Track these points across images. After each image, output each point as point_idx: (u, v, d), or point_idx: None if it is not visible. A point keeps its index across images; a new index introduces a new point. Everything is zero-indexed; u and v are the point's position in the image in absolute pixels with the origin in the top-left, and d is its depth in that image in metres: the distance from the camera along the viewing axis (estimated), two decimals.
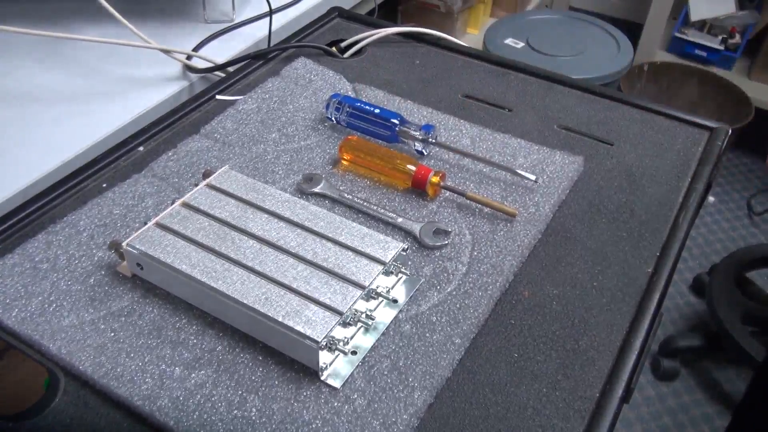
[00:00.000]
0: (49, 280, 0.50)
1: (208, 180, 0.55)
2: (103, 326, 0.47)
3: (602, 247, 0.56)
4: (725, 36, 2.11)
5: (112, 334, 0.47)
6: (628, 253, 0.55)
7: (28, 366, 0.45)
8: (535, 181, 0.59)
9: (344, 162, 0.61)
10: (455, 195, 0.58)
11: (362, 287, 0.46)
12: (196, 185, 0.55)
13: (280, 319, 0.44)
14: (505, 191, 0.59)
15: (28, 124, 0.70)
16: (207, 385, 0.44)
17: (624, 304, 0.51)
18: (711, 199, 2.06)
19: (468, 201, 0.58)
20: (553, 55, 1.65)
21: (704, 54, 2.15)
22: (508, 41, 1.68)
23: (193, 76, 0.78)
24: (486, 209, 0.57)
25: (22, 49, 0.80)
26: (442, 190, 0.59)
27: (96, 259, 0.52)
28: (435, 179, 0.57)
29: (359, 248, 0.49)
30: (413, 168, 0.58)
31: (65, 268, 0.51)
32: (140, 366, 0.45)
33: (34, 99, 0.73)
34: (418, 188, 0.58)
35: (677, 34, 2.16)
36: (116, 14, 0.74)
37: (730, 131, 0.69)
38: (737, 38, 2.10)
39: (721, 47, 2.12)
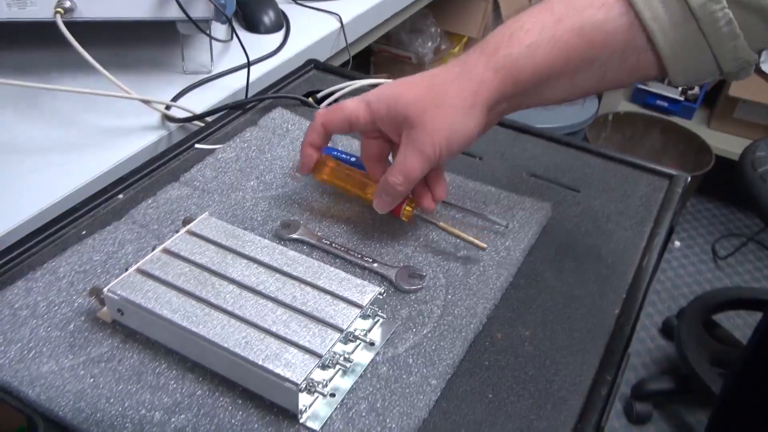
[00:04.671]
0: (29, 326, 0.50)
1: (188, 227, 0.56)
2: (82, 372, 0.47)
3: (571, 290, 0.58)
4: (685, 87, 2.19)
5: (92, 380, 0.47)
6: (596, 295, 0.57)
7: (5, 412, 0.45)
8: (506, 227, 0.62)
9: (321, 178, 0.63)
10: (429, 241, 0.60)
11: (340, 330, 0.48)
12: (176, 232, 0.56)
13: (260, 363, 0.45)
14: (477, 236, 0.61)
15: (6, 173, 0.70)
16: (187, 429, 0.44)
17: (593, 344, 0.53)
18: (677, 243, 2.12)
19: (442, 244, 0.60)
20: None
21: (665, 104, 2.24)
22: None
23: (172, 126, 0.80)
24: (459, 253, 0.59)
25: (0, 99, 0.81)
26: (417, 221, 0.61)
27: (76, 305, 0.52)
28: (408, 208, 0.60)
29: (337, 292, 0.51)
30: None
31: (45, 315, 0.51)
32: (120, 411, 0.45)
33: (12, 149, 0.74)
34: (394, 215, 0.60)
35: (639, 86, 2.25)
36: (96, 65, 0.76)
37: (690, 178, 0.72)
38: (696, 89, 2.19)
39: (681, 98, 2.21)
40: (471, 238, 0.58)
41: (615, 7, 0.49)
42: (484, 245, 0.58)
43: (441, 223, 0.59)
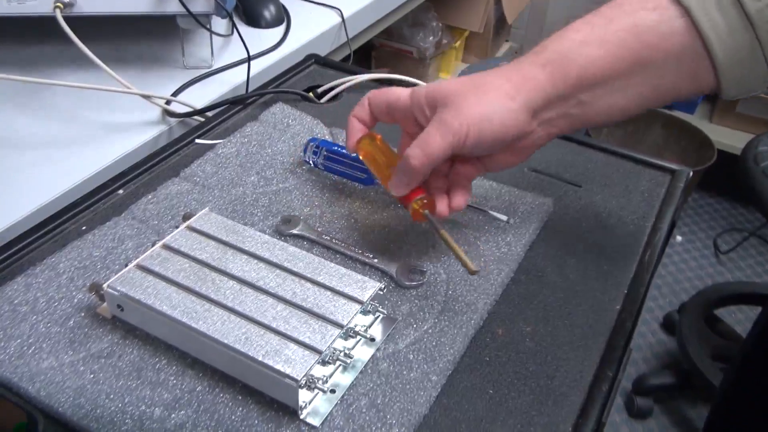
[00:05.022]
0: (29, 322, 0.50)
1: (188, 222, 0.56)
2: (82, 368, 0.47)
3: (572, 285, 0.58)
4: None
5: (92, 376, 0.47)
6: (597, 291, 0.57)
7: (5, 408, 0.45)
8: (507, 222, 0.61)
9: (360, 154, 0.60)
10: (430, 237, 0.60)
11: (340, 326, 0.48)
12: (177, 227, 0.56)
13: (260, 359, 0.45)
14: (478, 231, 0.61)
15: (6, 169, 0.70)
16: (187, 425, 0.44)
17: (594, 340, 0.53)
18: (679, 238, 2.12)
19: (442, 241, 0.59)
20: None
21: None
22: None
23: (172, 121, 0.80)
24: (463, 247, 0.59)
25: (0, 94, 0.81)
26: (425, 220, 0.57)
27: (76, 301, 0.52)
28: (416, 205, 0.55)
29: (337, 288, 0.51)
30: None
31: (45, 311, 0.51)
32: (120, 407, 0.45)
33: (11, 144, 0.74)
34: (404, 204, 0.56)
35: None
36: (96, 60, 0.76)
37: (692, 173, 0.72)
38: None
39: None
40: (466, 259, 0.53)
41: (669, 9, 0.47)
42: (477, 269, 0.53)
43: (443, 231, 0.54)
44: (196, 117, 0.79)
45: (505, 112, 0.50)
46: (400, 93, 0.55)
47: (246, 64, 0.86)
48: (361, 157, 0.60)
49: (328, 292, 0.50)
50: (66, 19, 0.75)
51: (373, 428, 0.44)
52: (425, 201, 0.55)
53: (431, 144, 0.50)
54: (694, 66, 0.48)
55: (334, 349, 0.47)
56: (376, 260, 0.57)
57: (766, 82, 0.48)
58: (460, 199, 0.55)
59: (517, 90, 0.50)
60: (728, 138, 2.12)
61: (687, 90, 0.50)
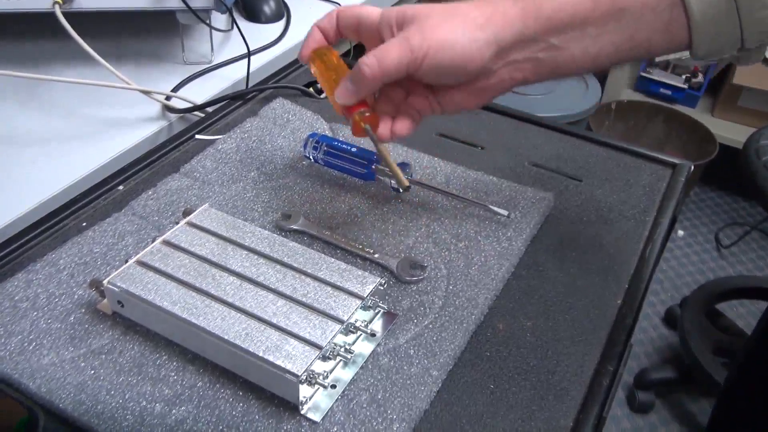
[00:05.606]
0: (29, 318, 0.50)
1: (188, 218, 0.56)
2: (83, 364, 0.47)
3: (573, 280, 0.57)
4: (689, 75, 2.18)
5: (93, 372, 0.47)
6: (598, 286, 0.57)
7: (6, 405, 0.45)
8: (508, 216, 0.61)
9: (312, 69, 0.58)
10: (430, 231, 0.60)
11: (341, 321, 0.48)
12: (177, 223, 0.55)
13: (260, 354, 0.45)
14: (478, 226, 0.61)
15: (6, 165, 0.70)
16: (188, 421, 0.44)
17: (595, 335, 0.53)
18: (680, 233, 2.11)
19: (443, 236, 0.59)
20: (524, 94, 1.70)
21: (669, 92, 2.22)
22: None
23: (172, 117, 0.79)
24: (461, 244, 0.59)
25: (0, 90, 0.81)
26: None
27: (76, 297, 0.52)
28: (357, 116, 0.52)
29: (337, 283, 0.51)
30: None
31: (45, 307, 0.51)
32: (121, 403, 0.45)
33: (11, 140, 0.74)
34: (347, 115, 0.53)
35: (643, 74, 2.23)
36: (96, 56, 0.75)
37: (693, 167, 0.72)
38: (700, 77, 2.17)
39: (685, 86, 2.19)
40: (400, 175, 0.53)
41: None
42: (408, 185, 0.53)
43: (381, 146, 0.53)
44: (196, 113, 0.79)
45: (470, 42, 0.48)
46: (371, 10, 0.53)
47: (246, 60, 0.86)
48: (312, 71, 0.57)
49: (329, 288, 0.50)
50: (65, 14, 0.75)
51: (374, 423, 0.44)
52: (368, 115, 0.52)
53: (388, 56, 0.48)
54: (669, 19, 0.47)
55: (335, 344, 0.47)
56: (376, 255, 0.57)
57: (737, 45, 0.48)
58: (404, 126, 0.53)
59: (487, 21, 0.48)
60: (730, 132, 2.11)
61: (659, 45, 0.49)
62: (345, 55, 1.07)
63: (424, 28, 0.48)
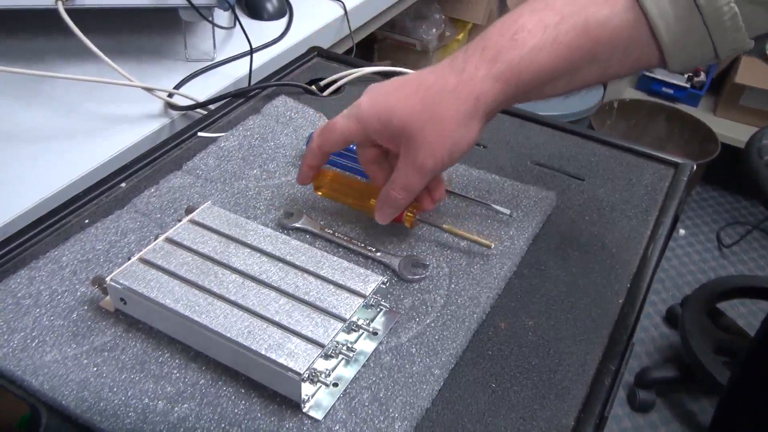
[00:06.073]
0: (32, 315, 0.50)
1: (190, 216, 0.56)
2: (86, 361, 0.47)
3: (575, 279, 0.58)
4: (690, 74, 2.18)
5: (95, 369, 0.47)
6: (600, 285, 0.57)
7: (8, 401, 0.46)
8: (510, 215, 0.61)
9: (319, 193, 0.62)
10: (433, 228, 0.60)
11: (343, 320, 0.48)
12: (179, 221, 0.56)
13: (262, 352, 0.45)
14: (480, 225, 0.61)
15: (9, 162, 0.70)
16: (190, 418, 0.44)
17: (596, 334, 0.53)
18: (682, 232, 2.11)
19: (445, 234, 0.59)
20: None
21: (671, 92, 2.22)
22: None
23: (175, 114, 0.79)
24: (462, 242, 0.59)
25: (2, 87, 0.81)
26: (420, 223, 0.60)
27: (79, 294, 0.52)
28: (410, 214, 0.58)
29: (340, 282, 0.51)
30: None
31: (48, 304, 0.51)
32: (123, 400, 0.45)
33: (14, 137, 0.74)
34: (396, 221, 0.59)
35: (645, 73, 2.23)
36: (99, 53, 0.75)
37: (695, 167, 0.72)
38: (702, 77, 2.17)
39: (687, 85, 2.19)
40: (477, 237, 0.57)
41: (619, 2, 0.48)
42: (491, 243, 0.57)
43: (445, 226, 0.58)
44: (198, 110, 0.79)
45: (470, 131, 0.52)
46: (347, 127, 0.54)
47: (248, 57, 0.86)
48: (320, 194, 0.63)
49: (331, 286, 0.50)
50: (68, 11, 0.75)
51: (376, 422, 0.45)
52: (412, 212, 0.58)
53: (412, 183, 0.53)
54: (640, 52, 0.49)
55: (337, 342, 0.47)
56: (378, 254, 0.57)
57: (710, 59, 0.49)
58: (439, 191, 0.58)
59: (475, 108, 0.51)
60: (732, 131, 2.11)
61: (632, 71, 0.52)
62: (347, 52, 1.07)
63: (429, 145, 0.51)
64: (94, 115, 0.78)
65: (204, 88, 0.84)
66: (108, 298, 0.51)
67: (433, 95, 0.51)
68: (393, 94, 0.53)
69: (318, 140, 0.57)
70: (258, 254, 0.53)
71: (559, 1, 0.50)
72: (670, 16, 0.47)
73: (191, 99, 0.80)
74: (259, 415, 0.45)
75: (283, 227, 0.60)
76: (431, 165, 0.52)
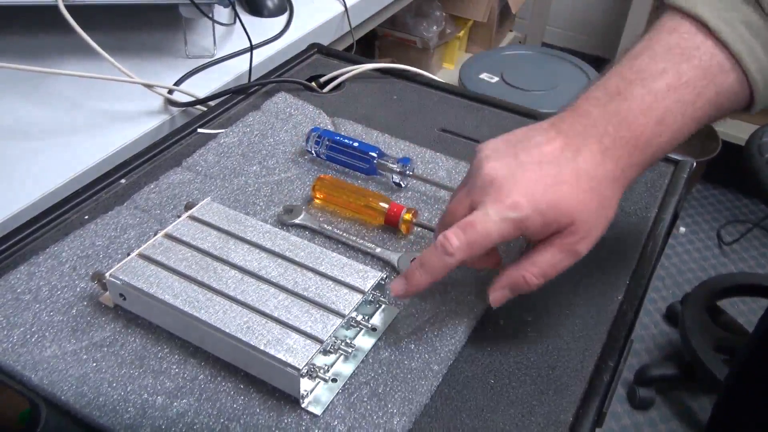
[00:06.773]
0: (31, 311, 0.50)
1: (190, 212, 0.56)
2: (85, 356, 0.48)
3: (574, 276, 0.57)
4: None
5: (95, 364, 0.47)
6: (599, 281, 0.57)
7: (8, 397, 0.46)
8: None
9: (317, 201, 0.62)
10: (432, 226, 0.60)
11: (342, 315, 0.48)
12: (179, 217, 0.56)
13: (261, 348, 0.45)
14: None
15: (9, 157, 0.70)
16: (189, 413, 0.44)
17: (595, 330, 0.53)
18: (682, 229, 2.11)
19: None
20: (526, 90, 1.69)
21: None
22: (483, 76, 1.73)
23: (175, 110, 0.80)
24: None
25: (2, 83, 0.81)
26: (416, 227, 0.60)
27: (78, 290, 0.52)
28: (407, 216, 0.58)
29: (339, 278, 0.51)
30: (386, 206, 0.59)
31: (47, 299, 0.51)
32: (122, 395, 0.45)
33: (14, 133, 0.74)
34: (391, 225, 0.59)
35: None
36: (99, 49, 0.76)
37: (695, 164, 0.71)
38: None
39: None
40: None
41: (732, 71, 0.47)
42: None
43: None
44: (198, 106, 0.79)
45: (614, 211, 0.49)
46: (500, 231, 0.47)
47: (248, 54, 0.86)
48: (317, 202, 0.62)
49: (330, 282, 0.50)
50: (68, 8, 0.75)
51: (375, 417, 0.45)
52: (413, 216, 0.59)
53: (558, 269, 0.49)
54: (736, 105, 0.50)
55: (336, 338, 0.47)
56: (378, 250, 0.57)
57: None
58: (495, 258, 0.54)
59: (618, 191, 0.49)
60: (733, 129, 2.11)
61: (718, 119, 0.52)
62: (348, 49, 1.07)
63: (589, 235, 0.48)
64: (94, 112, 0.78)
65: (204, 85, 0.84)
66: (107, 293, 0.51)
67: (599, 185, 0.48)
68: (554, 189, 0.47)
69: (462, 253, 0.47)
70: (257, 250, 0.53)
71: (692, 72, 0.48)
72: (766, 67, 0.48)
73: (191, 95, 0.80)
74: (258, 410, 0.45)
75: (282, 223, 0.60)
76: (585, 249, 0.48)
